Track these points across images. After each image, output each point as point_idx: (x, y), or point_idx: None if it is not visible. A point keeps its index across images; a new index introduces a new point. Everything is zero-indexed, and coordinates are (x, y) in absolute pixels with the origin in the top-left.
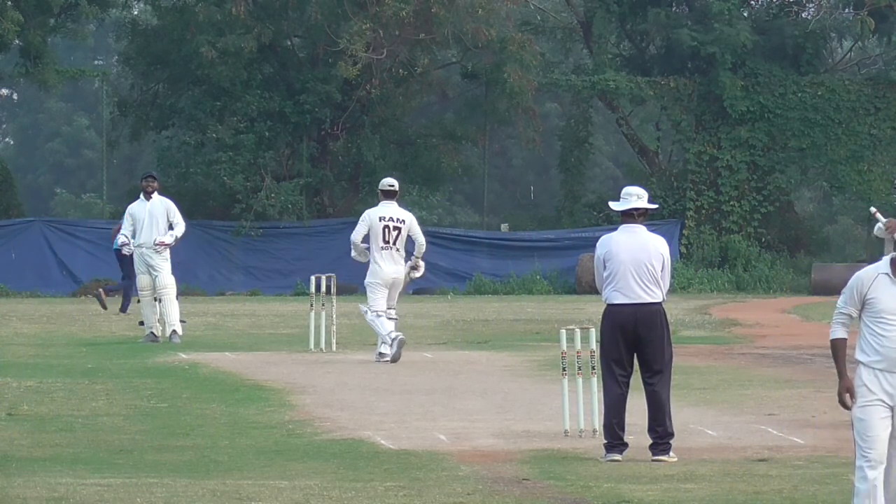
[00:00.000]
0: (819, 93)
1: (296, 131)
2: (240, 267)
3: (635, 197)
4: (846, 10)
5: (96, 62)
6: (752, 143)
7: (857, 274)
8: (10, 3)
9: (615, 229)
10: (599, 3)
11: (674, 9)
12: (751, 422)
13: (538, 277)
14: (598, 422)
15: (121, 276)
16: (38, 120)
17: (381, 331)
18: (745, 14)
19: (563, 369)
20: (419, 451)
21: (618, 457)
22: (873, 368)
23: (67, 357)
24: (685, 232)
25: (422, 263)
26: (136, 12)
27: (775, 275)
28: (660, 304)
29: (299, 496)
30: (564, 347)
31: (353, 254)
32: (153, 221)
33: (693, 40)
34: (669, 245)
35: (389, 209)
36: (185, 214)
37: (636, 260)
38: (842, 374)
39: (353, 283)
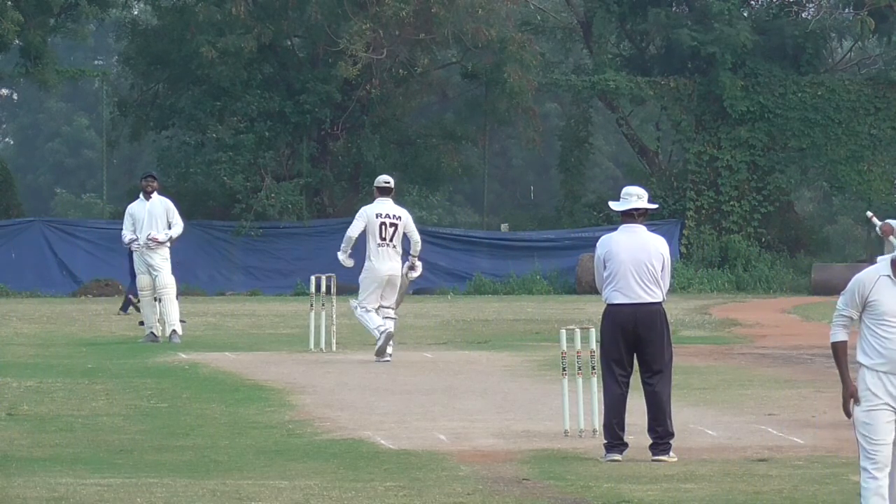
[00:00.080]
0: (819, 93)
1: (296, 131)
2: (240, 267)
3: (635, 197)
4: (846, 10)
5: (96, 62)
6: (752, 143)
7: (857, 276)
8: (10, 3)
9: (615, 229)
10: (599, 3)
11: (674, 9)
12: (751, 422)
13: (538, 277)
14: (598, 422)
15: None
16: (38, 120)
17: (369, 325)
18: (745, 14)
19: (563, 369)
20: (419, 451)
21: (618, 457)
22: (877, 371)
23: (67, 357)
24: (685, 232)
25: (419, 263)
26: (136, 12)
27: (775, 275)
28: (660, 304)
29: (299, 496)
30: (564, 347)
31: (339, 255)
32: (153, 221)
33: (693, 40)
34: (669, 245)
35: (385, 206)
36: (186, 214)
37: (636, 260)
38: (845, 379)
39: (353, 283)
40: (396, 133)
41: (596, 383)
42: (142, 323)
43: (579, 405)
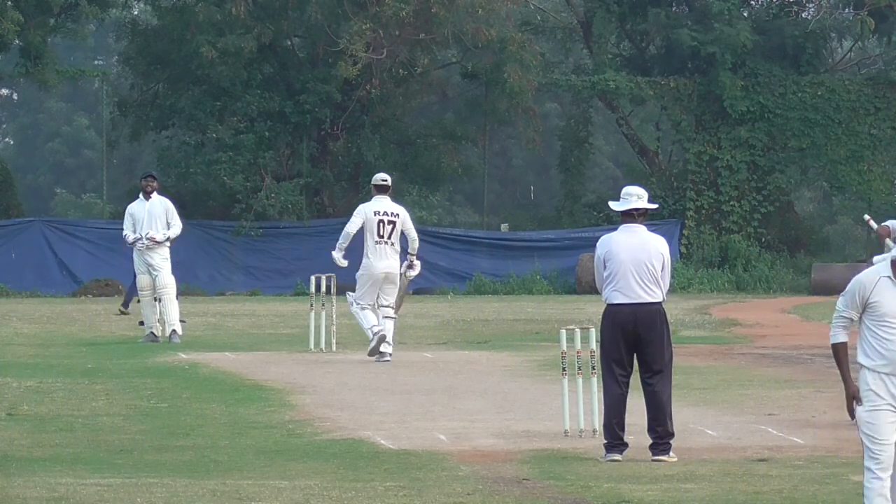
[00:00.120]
0: (819, 93)
1: (296, 131)
2: (240, 267)
3: (635, 197)
4: (846, 10)
5: (96, 62)
6: (752, 143)
7: (857, 277)
8: (10, 3)
9: (615, 229)
10: (599, 3)
11: (674, 9)
12: (751, 422)
13: (538, 277)
14: (598, 422)
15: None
16: (38, 120)
17: (364, 323)
18: (745, 14)
19: (563, 369)
20: (419, 451)
21: (618, 457)
22: (878, 372)
23: (67, 357)
24: (685, 232)
25: (417, 262)
26: (136, 12)
27: (775, 275)
28: (660, 303)
29: (299, 496)
30: (564, 347)
31: (334, 253)
32: (152, 221)
33: (693, 40)
34: (669, 245)
35: (383, 203)
36: (185, 214)
37: (636, 260)
38: (846, 380)
39: (352, 282)
40: (396, 133)
41: (596, 383)
42: (142, 323)
43: (579, 405)
